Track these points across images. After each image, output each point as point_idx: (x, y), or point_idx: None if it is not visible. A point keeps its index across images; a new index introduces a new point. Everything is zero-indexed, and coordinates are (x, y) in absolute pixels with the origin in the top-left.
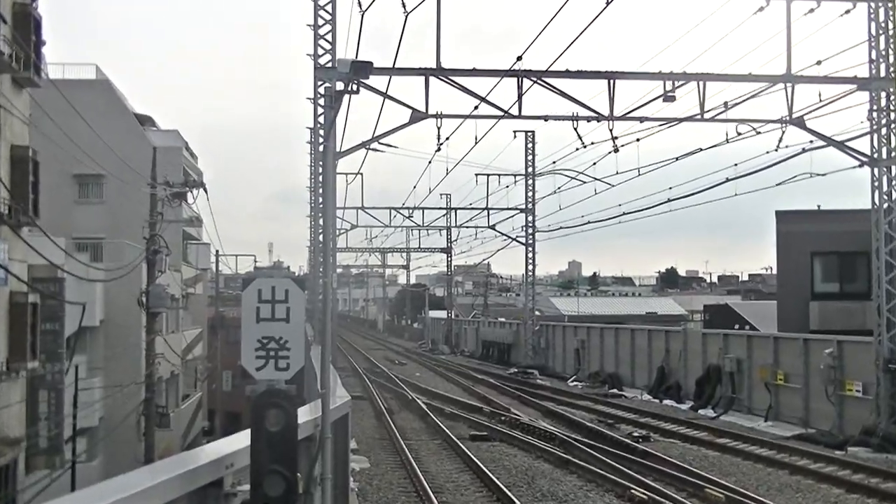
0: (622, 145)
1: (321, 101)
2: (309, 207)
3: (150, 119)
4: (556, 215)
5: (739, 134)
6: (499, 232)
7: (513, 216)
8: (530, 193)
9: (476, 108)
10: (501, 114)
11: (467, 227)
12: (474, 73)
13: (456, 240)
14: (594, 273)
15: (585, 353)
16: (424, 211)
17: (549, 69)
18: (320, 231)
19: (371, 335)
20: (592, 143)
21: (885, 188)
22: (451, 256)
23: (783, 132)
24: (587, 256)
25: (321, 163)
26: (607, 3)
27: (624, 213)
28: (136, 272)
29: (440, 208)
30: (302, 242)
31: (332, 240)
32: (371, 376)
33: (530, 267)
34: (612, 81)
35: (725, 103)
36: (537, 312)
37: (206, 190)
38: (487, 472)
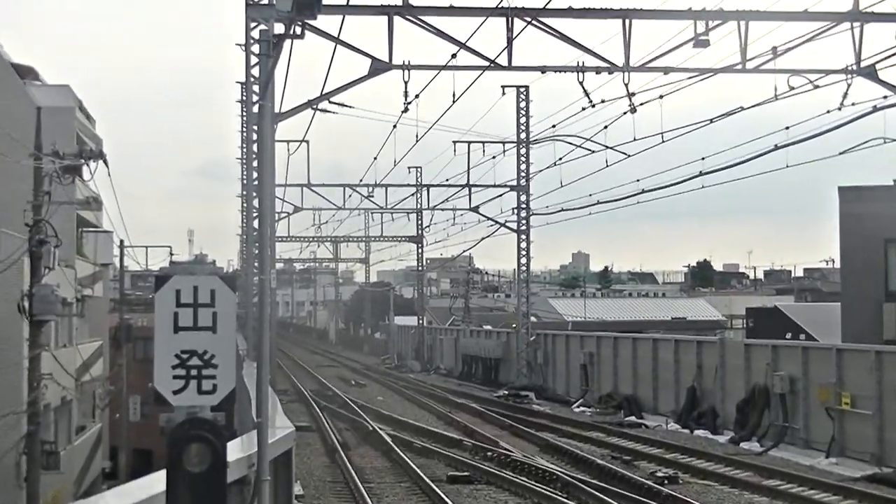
0: (641, 104)
1: (255, 49)
2: (240, 185)
3: (32, 71)
4: (556, 194)
5: (792, 88)
6: (483, 216)
7: (501, 195)
8: (523, 166)
9: (454, 56)
10: (486, 64)
11: (443, 209)
12: (452, 11)
13: (429, 226)
14: (605, 267)
15: (595, 371)
16: (388, 189)
17: (547, 6)
18: (255, 215)
19: (320, 348)
20: (603, 102)
21: None
22: (422, 247)
23: (849, 85)
24: (596, 247)
25: (255, 128)
26: None
27: (643, 191)
28: (16, 269)
29: (408, 186)
30: (231, 230)
31: (269, 226)
32: (321, 401)
33: (524, 260)
34: (627, 21)
35: (774, 49)
36: (533, 318)
37: (106, 163)
38: None
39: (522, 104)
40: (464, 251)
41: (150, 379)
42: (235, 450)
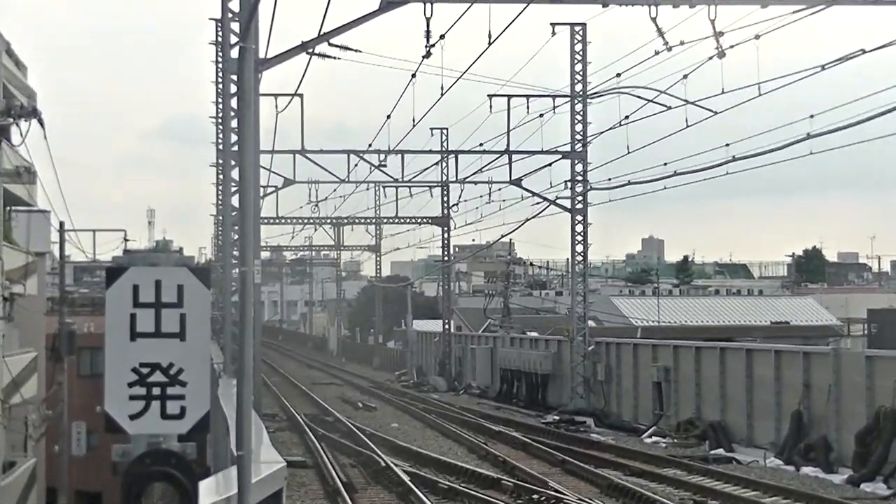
0: (730, 46)
1: None
2: (215, 151)
3: None
4: (621, 163)
5: None
6: (527, 190)
7: (550, 165)
8: (579, 127)
9: None
10: None
11: (475, 182)
12: None
13: (457, 204)
14: (685, 257)
15: (671, 390)
16: (405, 157)
17: None
18: (234, 190)
19: (318, 361)
20: (682, 44)
21: None
22: (448, 231)
23: None
24: (673, 231)
25: (234, 77)
26: None
27: (734, 159)
28: None
29: (431, 152)
30: (204, 209)
31: (253, 204)
32: (319, 429)
33: (580, 248)
34: None
35: None
36: (591, 322)
37: (42, 122)
38: None
39: (578, 47)
40: (502, 236)
41: (99, 401)
42: (209, 491)
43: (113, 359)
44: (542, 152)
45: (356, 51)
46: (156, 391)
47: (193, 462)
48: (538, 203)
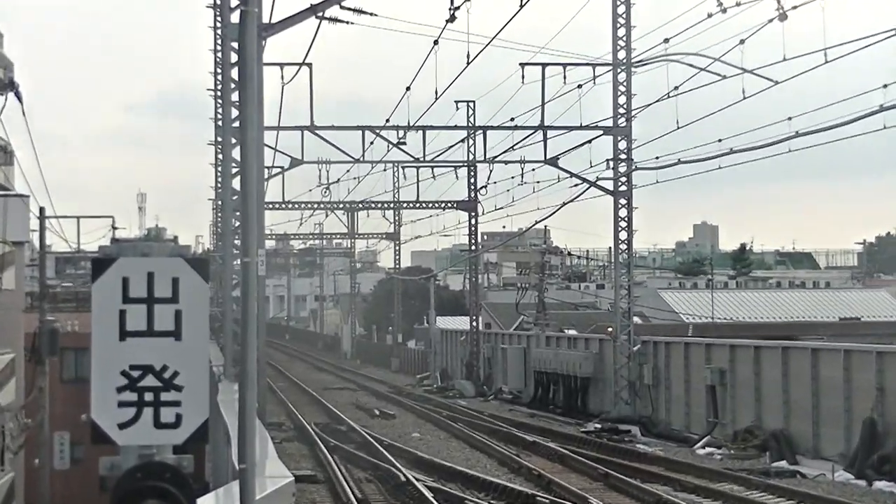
0: (793, 8)
1: None
2: (213, 127)
3: None
4: (670, 139)
5: None
6: (564, 171)
7: (590, 142)
8: (623, 99)
9: None
10: None
11: (506, 161)
12: None
13: (486, 186)
14: (742, 245)
15: (727, 395)
16: (427, 133)
17: None
18: (234, 171)
19: (330, 363)
20: (739, 5)
21: None
22: (476, 217)
23: None
24: (729, 216)
25: (235, 45)
26: None
27: (797, 135)
28: None
29: (456, 128)
30: (201, 192)
31: (257, 188)
32: (331, 439)
33: (624, 235)
34: None
35: None
36: (637, 319)
37: (19, 96)
38: None
39: (621, 10)
40: (536, 222)
41: (85, 408)
42: None
43: (100, 361)
44: (580, 128)
45: (371, 14)
46: (148, 397)
47: (190, 476)
48: (577, 185)
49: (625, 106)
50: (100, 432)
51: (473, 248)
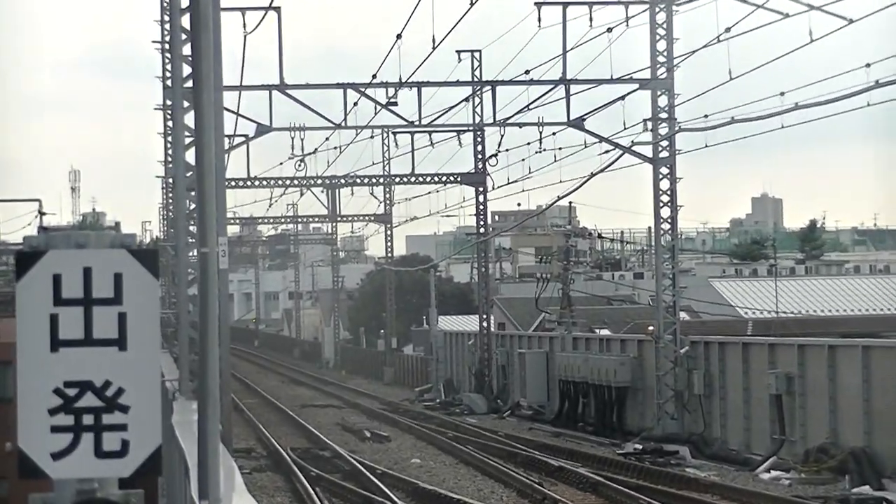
0: None
1: None
2: (161, 87)
3: None
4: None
5: None
6: (592, 134)
7: (623, 98)
8: (662, 45)
9: None
10: None
11: (520, 124)
12: None
13: (495, 154)
14: (812, 223)
15: (796, 406)
16: (423, 91)
17: None
18: (188, 141)
19: (309, 374)
20: None
21: None
22: (485, 193)
23: None
24: (795, 186)
25: None
26: None
27: (877, 85)
28: None
29: (459, 84)
30: (147, 169)
31: (216, 161)
32: (312, 468)
33: (666, 212)
34: None
35: None
36: (685, 316)
37: None
38: None
39: None
40: (559, 198)
41: (9, 435)
42: None
43: (27, 376)
44: (611, 81)
45: None
46: (87, 420)
47: None
48: (607, 151)
49: (665, 53)
50: (29, 464)
51: (482, 230)
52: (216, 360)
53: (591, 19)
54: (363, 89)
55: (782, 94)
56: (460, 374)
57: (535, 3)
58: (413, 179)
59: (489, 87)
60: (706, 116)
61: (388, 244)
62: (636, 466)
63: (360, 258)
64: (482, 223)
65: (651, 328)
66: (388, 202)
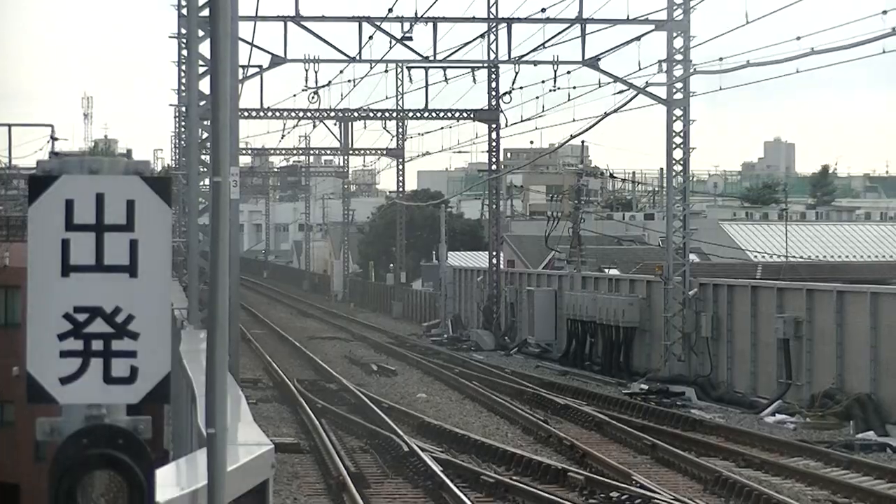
0: None
1: None
2: (176, 17)
3: None
4: (737, 37)
5: None
6: (606, 74)
7: (639, 38)
8: None
9: None
10: None
11: (535, 62)
12: None
13: (509, 92)
14: (824, 168)
15: (803, 350)
16: (438, 26)
17: None
18: (202, 71)
19: (317, 306)
20: None
21: None
22: (498, 130)
23: None
24: (808, 131)
25: None
26: None
27: (893, 31)
28: None
29: (474, 20)
30: (160, 97)
31: (230, 91)
32: (318, 400)
33: (678, 154)
34: None
35: None
36: (694, 258)
37: None
38: None
39: None
40: (571, 137)
41: (17, 359)
42: (169, 483)
43: (37, 301)
44: (627, 21)
45: None
46: (96, 345)
47: (148, 442)
48: (621, 91)
49: None
50: (37, 388)
51: (494, 167)
52: (226, 290)
53: None
54: (378, 23)
55: (798, 38)
56: (468, 310)
57: None
58: (426, 115)
59: (505, 25)
60: (721, 59)
61: (400, 179)
62: (642, 406)
63: (372, 192)
64: (494, 160)
65: (660, 269)
66: (400, 137)
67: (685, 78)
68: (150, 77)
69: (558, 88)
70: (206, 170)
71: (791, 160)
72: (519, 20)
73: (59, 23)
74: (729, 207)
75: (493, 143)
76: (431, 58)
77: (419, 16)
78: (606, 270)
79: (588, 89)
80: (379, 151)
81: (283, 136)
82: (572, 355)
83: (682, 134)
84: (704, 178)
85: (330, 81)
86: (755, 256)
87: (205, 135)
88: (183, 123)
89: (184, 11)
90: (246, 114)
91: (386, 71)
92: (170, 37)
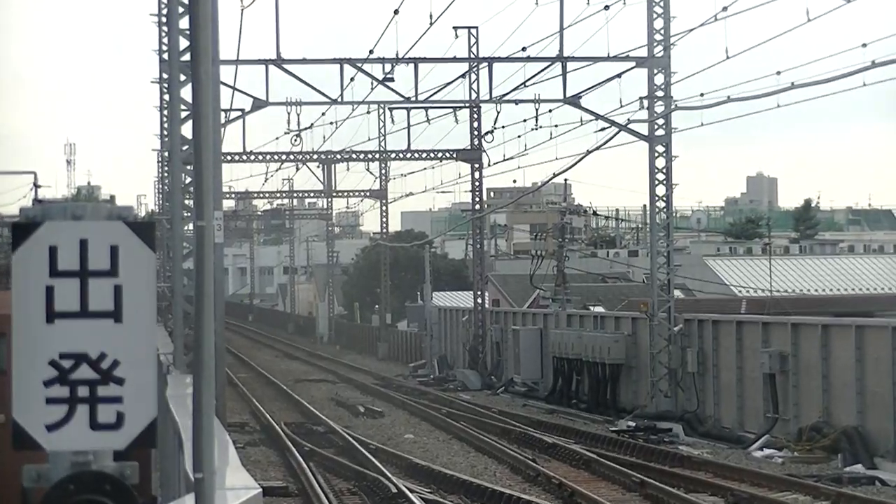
0: None
1: None
2: (157, 61)
3: None
4: (718, 72)
5: None
6: (588, 112)
7: (620, 76)
8: (660, 23)
9: None
10: None
11: (517, 101)
12: None
13: (491, 131)
14: (807, 202)
15: (789, 384)
16: (419, 67)
17: None
18: (184, 115)
19: (303, 348)
20: None
21: None
22: (480, 170)
23: None
24: (790, 166)
25: None
26: None
27: (874, 65)
28: None
29: (455, 60)
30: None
31: (213, 135)
32: (306, 442)
33: (661, 190)
34: None
35: None
36: (679, 294)
37: None
38: None
39: None
40: (554, 175)
41: (3, 406)
42: None
43: (22, 348)
44: (608, 59)
45: None
46: (82, 392)
47: (135, 488)
48: (603, 129)
49: (662, 31)
50: (23, 435)
51: (478, 207)
52: (211, 334)
53: None
54: (360, 65)
55: (779, 73)
56: (454, 350)
57: None
58: (409, 155)
59: (486, 64)
60: (702, 95)
61: (384, 220)
62: (630, 443)
63: (355, 234)
64: (478, 200)
65: (645, 305)
66: (383, 178)
67: (667, 114)
68: (133, 123)
69: (540, 127)
70: (189, 214)
71: (774, 194)
72: (500, 59)
73: (42, 68)
74: (713, 243)
75: (476, 183)
76: (413, 98)
77: (400, 57)
78: (591, 308)
79: (570, 127)
80: (362, 193)
81: (266, 179)
82: (559, 393)
83: (664, 170)
84: (688, 214)
85: (312, 124)
86: (739, 291)
87: (188, 179)
88: (166, 168)
89: (165, 56)
90: (229, 157)
91: (368, 112)
92: (152, 82)
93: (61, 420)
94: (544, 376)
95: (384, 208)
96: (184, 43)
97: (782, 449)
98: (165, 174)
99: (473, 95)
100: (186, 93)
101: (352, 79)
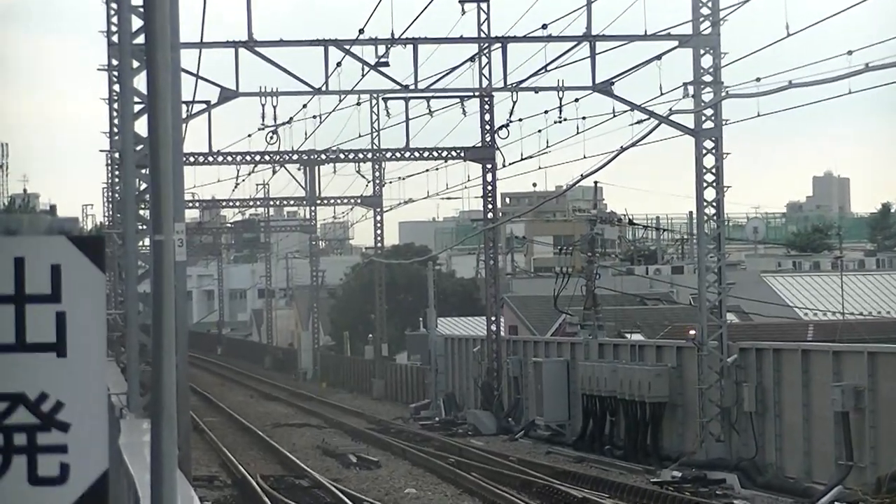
0: None
1: None
2: (105, 45)
3: None
4: (776, 53)
5: None
6: (622, 101)
7: (659, 58)
8: None
9: None
10: None
11: (536, 89)
12: None
13: (507, 125)
14: (885, 206)
15: (866, 425)
16: (419, 49)
17: None
18: (138, 110)
19: (283, 387)
20: None
21: None
22: (494, 171)
23: None
24: (865, 165)
25: None
26: None
27: None
28: None
29: (462, 41)
30: (89, 141)
31: (172, 133)
32: (287, 499)
33: (710, 194)
34: None
35: None
36: (733, 317)
37: None
38: None
39: None
40: (582, 177)
41: None
42: None
43: None
44: (644, 37)
45: None
46: (19, 440)
47: None
48: (640, 121)
49: (710, 4)
50: None
51: (490, 215)
52: (172, 370)
53: None
54: (348, 47)
55: (850, 52)
56: (464, 387)
57: None
58: (408, 154)
59: (499, 45)
60: (758, 80)
61: (378, 232)
62: (675, 498)
63: (344, 249)
64: (490, 207)
65: (692, 333)
66: (377, 182)
67: (716, 103)
68: (77, 118)
69: (565, 119)
70: (145, 227)
71: (845, 198)
72: (516, 39)
73: None
74: (773, 256)
75: (489, 187)
76: (412, 86)
77: (396, 37)
78: (628, 336)
79: (600, 120)
80: (352, 200)
81: (236, 185)
82: (589, 438)
83: (714, 170)
84: (743, 223)
85: (291, 118)
86: (805, 314)
87: (143, 185)
88: (117, 172)
89: (115, 39)
90: (192, 159)
91: (358, 103)
92: (99, 69)
93: None
94: (572, 418)
95: (379, 218)
96: (137, 23)
97: (858, 502)
98: (116, 179)
99: (484, 83)
100: (141, 82)
101: (338, 64)
